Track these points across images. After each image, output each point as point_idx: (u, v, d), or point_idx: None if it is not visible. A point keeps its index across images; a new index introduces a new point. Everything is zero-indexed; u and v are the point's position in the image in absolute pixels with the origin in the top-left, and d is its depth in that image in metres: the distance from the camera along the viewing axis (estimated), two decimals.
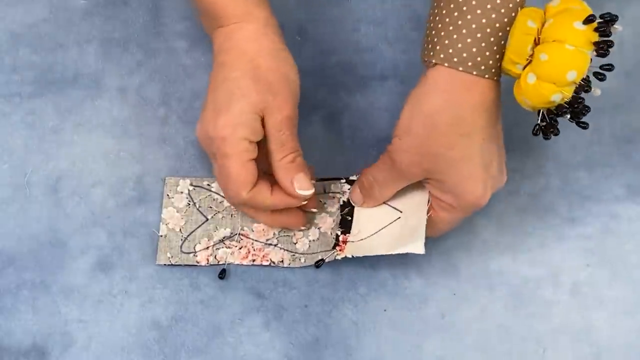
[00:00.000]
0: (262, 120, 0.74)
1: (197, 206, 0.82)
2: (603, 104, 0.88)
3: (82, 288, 0.78)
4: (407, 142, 0.72)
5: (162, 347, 0.76)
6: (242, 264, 0.80)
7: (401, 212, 0.80)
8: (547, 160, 0.85)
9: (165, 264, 0.79)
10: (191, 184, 0.83)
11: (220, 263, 0.80)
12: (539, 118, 0.70)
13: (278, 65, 0.76)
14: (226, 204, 0.82)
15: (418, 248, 0.74)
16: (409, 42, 0.90)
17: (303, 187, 0.75)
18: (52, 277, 0.79)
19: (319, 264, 0.79)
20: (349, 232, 0.79)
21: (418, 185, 0.78)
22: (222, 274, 0.79)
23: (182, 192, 0.82)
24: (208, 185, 0.82)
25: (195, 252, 0.80)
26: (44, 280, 0.79)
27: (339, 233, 0.80)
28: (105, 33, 0.90)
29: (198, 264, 0.79)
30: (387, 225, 0.79)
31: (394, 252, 0.76)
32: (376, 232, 0.79)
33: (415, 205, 0.79)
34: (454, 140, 0.70)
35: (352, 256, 0.77)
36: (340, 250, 0.78)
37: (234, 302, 0.78)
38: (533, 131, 0.71)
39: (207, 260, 0.80)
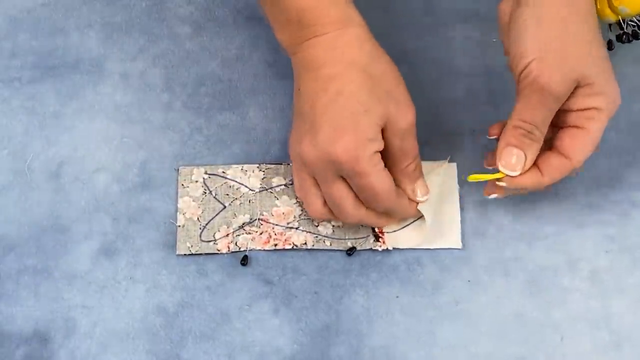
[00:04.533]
0: (383, 129, 0.76)
1: (214, 194, 0.85)
2: (619, 89, 0.92)
3: (86, 274, 0.82)
4: (550, 58, 0.73)
5: (168, 333, 0.80)
6: (264, 250, 0.83)
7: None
8: None
9: (185, 254, 0.83)
10: (206, 172, 0.86)
11: (241, 250, 0.83)
12: (625, 26, 0.78)
13: (390, 69, 0.77)
14: (243, 190, 0.85)
15: (456, 243, 0.83)
16: (422, 27, 0.94)
17: (423, 193, 0.81)
18: (55, 262, 0.82)
19: (350, 252, 0.83)
20: None
21: (446, 180, 0.85)
22: (244, 260, 0.82)
23: (197, 181, 0.85)
24: (223, 172, 0.86)
25: (215, 240, 0.83)
26: (47, 266, 0.82)
27: None
28: (107, 17, 0.93)
29: (219, 252, 0.83)
30: (416, 219, 0.84)
31: (431, 247, 0.83)
32: (407, 225, 0.84)
33: (440, 199, 0.84)
34: (589, 37, 0.74)
35: (392, 248, 0.83)
36: (382, 242, 0.83)
37: (242, 288, 0.81)
38: (621, 39, 0.78)
39: (228, 247, 0.83)
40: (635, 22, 0.78)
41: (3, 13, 0.94)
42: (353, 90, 0.75)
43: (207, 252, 0.83)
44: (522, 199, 0.85)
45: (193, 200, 0.85)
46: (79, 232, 0.84)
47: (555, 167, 0.77)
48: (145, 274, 0.82)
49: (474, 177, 0.79)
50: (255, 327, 0.80)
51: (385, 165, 0.77)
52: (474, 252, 0.84)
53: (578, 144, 0.76)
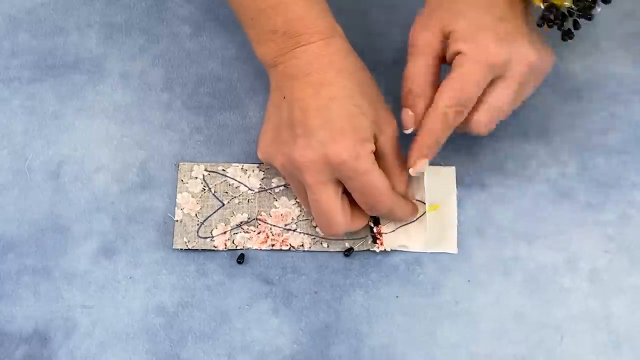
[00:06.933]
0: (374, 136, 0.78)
1: (213, 191, 0.86)
2: (619, 89, 0.91)
3: (86, 274, 0.82)
4: (419, 21, 0.81)
5: (168, 333, 0.80)
6: (260, 249, 0.84)
7: (424, 204, 0.85)
8: (564, 147, 0.88)
9: (181, 249, 0.83)
10: (206, 170, 0.86)
11: (238, 248, 0.84)
12: (543, 7, 0.77)
13: (373, 81, 0.80)
14: (242, 189, 0.86)
15: (452, 248, 0.83)
16: None
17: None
18: (54, 262, 0.82)
19: (348, 253, 0.83)
20: (379, 223, 0.84)
21: (445, 183, 0.85)
22: (241, 258, 0.83)
23: (196, 178, 0.86)
24: (223, 170, 0.86)
25: (213, 237, 0.84)
26: (46, 266, 0.82)
27: (372, 225, 0.84)
28: (107, 17, 0.94)
29: (216, 249, 0.83)
30: (414, 220, 0.85)
31: (428, 251, 0.84)
32: (405, 225, 0.85)
33: (442, 202, 0.85)
34: (475, 5, 0.78)
35: (391, 249, 0.83)
36: (380, 243, 0.83)
37: (242, 288, 0.82)
38: (537, 22, 0.77)
39: (225, 245, 0.83)
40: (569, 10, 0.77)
41: (3, 13, 0.94)
42: (347, 94, 0.77)
43: (203, 248, 0.83)
44: (522, 198, 0.86)
45: (192, 196, 0.85)
46: (79, 232, 0.84)
47: (428, 113, 0.79)
48: (144, 274, 0.82)
49: None
50: (255, 327, 0.81)
51: None
52: (474, 252, 0.84)
53: (442, 87, 0.78)
